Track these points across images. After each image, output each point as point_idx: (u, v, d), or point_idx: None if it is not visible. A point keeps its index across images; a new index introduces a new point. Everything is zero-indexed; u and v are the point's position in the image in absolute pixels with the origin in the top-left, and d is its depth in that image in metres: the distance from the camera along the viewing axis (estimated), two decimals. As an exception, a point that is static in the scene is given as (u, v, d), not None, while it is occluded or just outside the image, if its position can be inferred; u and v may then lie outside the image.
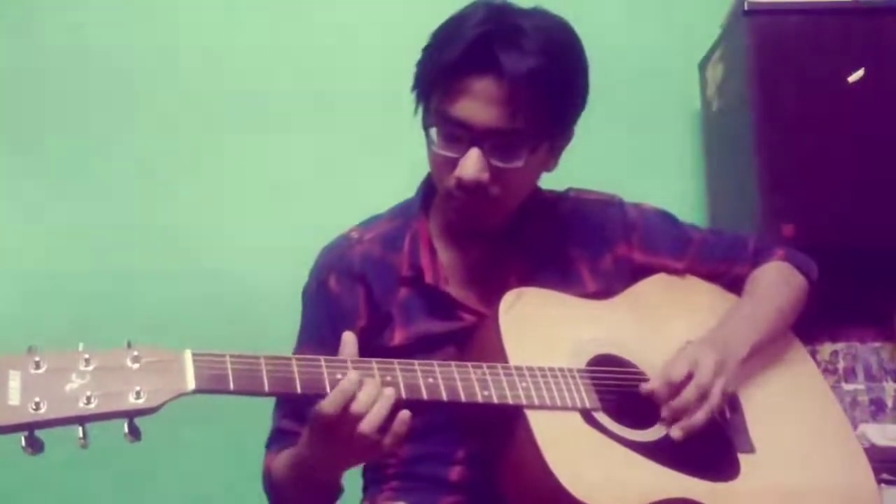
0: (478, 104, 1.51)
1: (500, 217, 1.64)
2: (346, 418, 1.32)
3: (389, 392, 1.35)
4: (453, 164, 1.54)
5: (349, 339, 1.41)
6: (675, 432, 1.49)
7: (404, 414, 1.35)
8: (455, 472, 1.60)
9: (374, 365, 1.38)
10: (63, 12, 2.83)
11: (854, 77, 2.39)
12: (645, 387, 1.53)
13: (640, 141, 2.73)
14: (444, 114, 1.53)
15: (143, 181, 2.77)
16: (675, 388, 1.51)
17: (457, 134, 1.53)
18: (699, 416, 1.51)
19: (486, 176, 1.53)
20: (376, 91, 2.83)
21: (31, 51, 2.81)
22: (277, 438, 1.66)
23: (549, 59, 1.51)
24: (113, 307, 2.61)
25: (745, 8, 2.45)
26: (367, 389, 1.33)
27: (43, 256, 2.72)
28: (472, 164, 1.52)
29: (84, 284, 2.68)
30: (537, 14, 1.57)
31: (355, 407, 1.32)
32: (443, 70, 1.52)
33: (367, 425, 1.32)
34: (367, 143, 2.82)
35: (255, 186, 2.79)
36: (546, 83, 1.51)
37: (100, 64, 2.81)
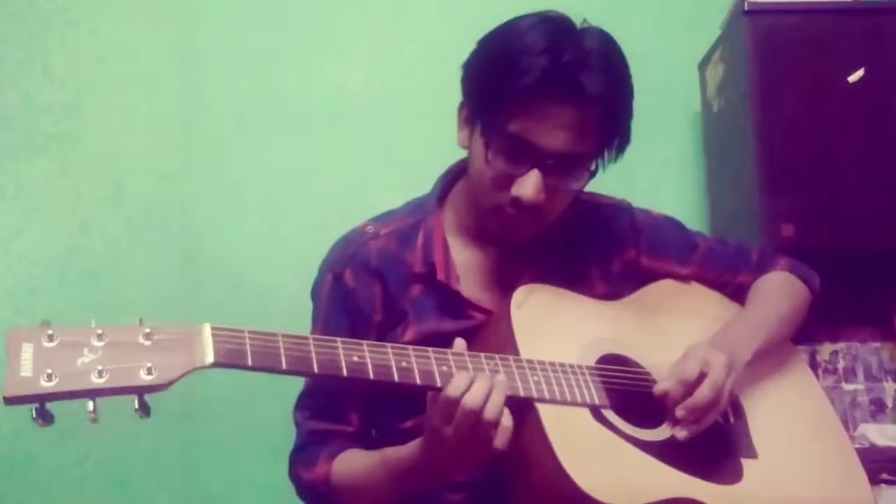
0: (553, 130, 1.50)
1: (541, 230, 1.64)
2: (466, 407, 1.33)
3: (501, 377, 1.38)
4: (509, 180, 1.54)
5: (460, 344, 1.43)
6: (681, 433, 1.50)
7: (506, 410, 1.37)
8: (458, 470, 1.60)
9: (389, 349, 1.37)
10: (64, 12, 2.84)
11: (854, 77, 2.39)
12: (659, 387, 1.53)
13: (640, 141, 2.71)
14: (512, 135, 1.52)
15: (145, 180, 2.77)
16: (690, 388, 1.51)
17: (521, 154, 1.52)
18: (710, 418, 1.52)
19: (543, 197, 1.53)
20: (377, 91, 2.83)
21: (35, 49, 2.81)
22: (315, 442, 1.64)
23: (615, 79, 1.53)
24: (116, 304, 2.60)
25: (745, 8, 2.45)
26: (483, 378, 1.35)
27: (46, 251, 2.72)
28: (533, 186, 1.52)
29: (87, 282, 2.68)
30: (592, 32, 1.56)
31: (473, 396, 1.33)
32: (514, 94, 1.50)
33: (490, 412, 1.33)
34: (368, 143, 2.82)
35: (257, 186, 2.80)
36: (616, 104, 1.54)
37: (105, 62, 2.82)
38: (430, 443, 1.41)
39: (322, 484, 1.59)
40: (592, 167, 1.58)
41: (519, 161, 1.53)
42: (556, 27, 1.53)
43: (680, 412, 1.50)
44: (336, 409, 1.64)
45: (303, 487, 1.64)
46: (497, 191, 1.56)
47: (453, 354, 1.41)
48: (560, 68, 1.48)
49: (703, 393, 1.50)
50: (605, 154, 1.59)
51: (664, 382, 1.53)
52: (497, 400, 1.35)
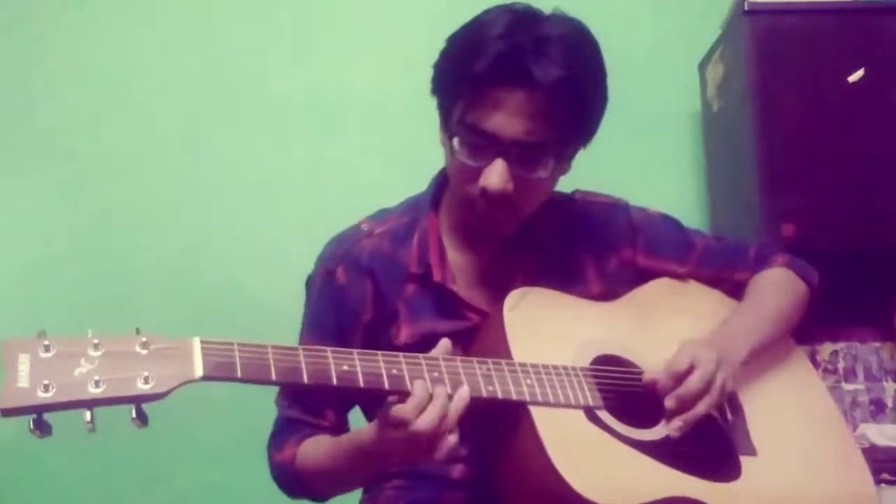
0: (506, 117, 1.49)
1: (519, 223, 1.63)
2: (419, 423, 1.33)
3: (464, 392, 1.37)
4: (476, 172, 1.54)
5: (445, 344, 1.42)
6: (675, 423, 1.49)
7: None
8: (457, 470, 1.60)
9: (380, 357, 1.37)
10: (64, 12, 2.85)
11: (854, 77, 2.39)
12: (647, 377, 1.54)
13: (640, 141, 2.72)
14: (470, 125, 1.51)
15: (144, 180, 2.78)
16: (678, 379, 1.51)
17: (482, 144, 1.52)
18: (700, 408, 1.50)
19: (510, 187, 1.52)
20: (375, 92, 2.84)
21: (35, 50, 2.82)
22: (289, 428, 1.66)
23: (576, 68, 1.50)
24: (113, 306, 2.60)
25: (745, 8, 2.44)
26: (439, 396, 1.34)
27: (46, 252, 2.73)
28: (497, 176, 1.51)
29: (85, 283, 2.69)
30: (559, 19, 1.55)
31: (429, 415, 1.33)
32: (470, 81, 1.49)
33: (437, 433, 1.33)
34: (365, 144, 2.82)
35: (255, 186, 2.80)
36: (575, 93, 1.51)
37: (105, 63, 2.83)
38: (385, 439, 1.40)
39: (288, 465, 1.61)
40: (559, 155, 1.57)
41: (482, 152, 1.52)
42: (517, 16, 1.52)
43: (670, 402, 1.50)
44: (314, 403, 1.66)
45: (273, 469, 1.66)
46: (466, 184, 1.56)
47: (444, 360, 1.41)
48: (512, 55, 1.47)
49: (693, 382, 1.50)
50: (571, 142, 1.58)
51: (652, 373, 1.54)
52: (448, 424, 1.34)
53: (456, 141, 1.54)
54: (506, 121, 1.49)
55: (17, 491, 2.59)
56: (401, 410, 1.33)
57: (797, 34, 2.44)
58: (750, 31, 2.45)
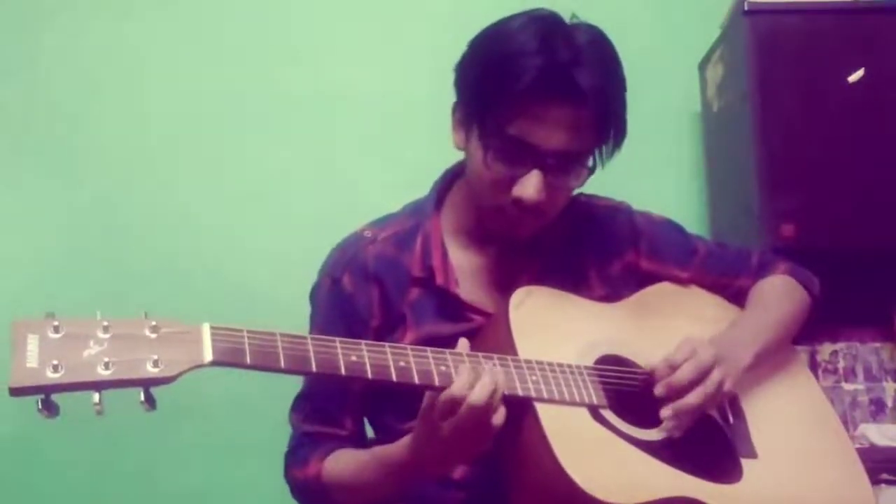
0: (550, 129, 1.50)
1: (541, 228, 1.64)
2: (470, 405, 1.34)
3: (501, 374, 1.38)
4: (509, 180, 1.54)
5: (464, 344, 1.44)
6: (666, 411, 1.51)
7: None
8: (459, 470, 1.60)
9: (388, 349, 1.38)
10: (63, 9, 2.84)
11: (854, 77, 2.39)
12: (647, 366, 1.56)
13: (640, 142, 2.70)
14: (511, 137, 1.52)
15: (145, 180, 2.78)
16: (674, 368, 1.52)
17: (520, 154, 1.52)
18: (691, 399, 1.51)
19: (545, 196, 1.53)
20: (377, 91, 2.84)
21: (35, 48, 2.82)
22: (308, 443, 1.65)
23: (609, 75, 1.53)
24: (112, 306, 2.58)
25: (745, 8, 2.44)
26: (487, 374, 1.35)
27: (45, 251, 2.74)
28: (534, 186, 1.52)
29: (84, 283, 2.68)
30: (583, 27, 1.56)
31: (478, 394, 1.34)
32: (511, 95, 1.50)
33: (491, 409, 1.35)
34: (367, 144, 2.82)
35: (256, 186, 2.80)
36: (610, 100, 1.53)
37: (105, 62, 2.83)
38: (425, 439, 1.41)
39: (314, 482, 1.60)
40: (591, 163, 1.58)
41: (519, 162, 1.53)
42: (547, 26, 1.53)
43: (659, 389, 1.52)
44: (331, 413, 1.65)
45: (296, 487, 1.65)
46: (498, 192, 1.57)
47: (451, 354, 1.41)
48: (555, 67, 1.48)
49: (685, 370, 1.51)
50: (604, 149, 1.59)
51: (651, 362, 1.56)
52: (498, 396, 1.35)
53: (490, 150, 1.54)
54: (549, 133, 1.50)
55: (18, 482, 2.57)
56: (454, 387, 1.34)
57: (797, 34, 2.44)
58: (750, 31, 2.44)
